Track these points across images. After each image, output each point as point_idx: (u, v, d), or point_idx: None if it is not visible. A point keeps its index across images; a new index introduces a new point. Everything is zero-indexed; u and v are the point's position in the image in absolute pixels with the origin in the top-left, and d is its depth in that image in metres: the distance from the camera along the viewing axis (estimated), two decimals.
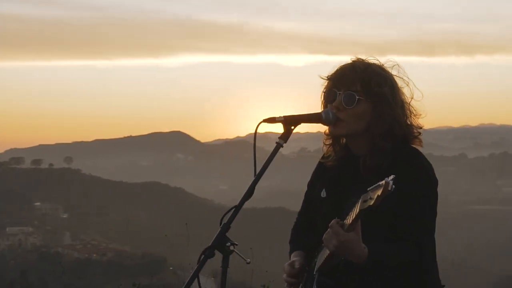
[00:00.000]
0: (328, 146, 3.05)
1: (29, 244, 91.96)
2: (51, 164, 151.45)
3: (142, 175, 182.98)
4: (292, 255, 3.11)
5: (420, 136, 2.94)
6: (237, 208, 2.71)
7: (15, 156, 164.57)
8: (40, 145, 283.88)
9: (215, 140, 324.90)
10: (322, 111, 2.89)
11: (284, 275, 3.03)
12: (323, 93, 2.96)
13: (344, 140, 3.00)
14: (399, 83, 2.95)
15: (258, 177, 2.75)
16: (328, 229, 2.60)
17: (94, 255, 78.74)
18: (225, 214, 2.72)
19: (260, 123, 2.80)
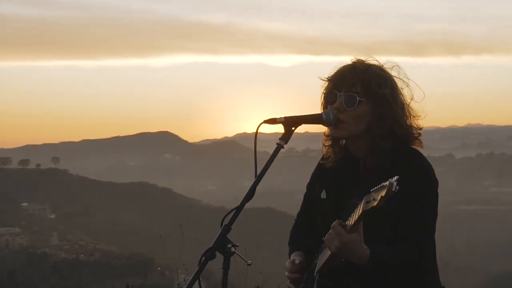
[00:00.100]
0: (327, 147, 3.05)
1: (16, 244, 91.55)
2: (38, 165, 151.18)
3: (130, 175, 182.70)
4: (292, 256, 3.10)
5: (420, 137, 2.94)
6: (238, 209, 2.70)
7: (2, 157, 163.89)
8: (27, 145, 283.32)
9: (203, 140, 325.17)
10: (323, 112, 2.89)
11: (286, 273, 3.03)
12: (323, 94, 2.95)
13: (344, 141, 3.00)
14: (399, 84, 2.94)
15: (259, 178, 2.75)
16: (330, 230, 2.59)
17: (82, 255, 78.49)
18: (226, 215, 2.71)
19: (261, 124, 2.79)
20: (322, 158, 3.08)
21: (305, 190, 3.17)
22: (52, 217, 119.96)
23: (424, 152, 2.93)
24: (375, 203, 2.37)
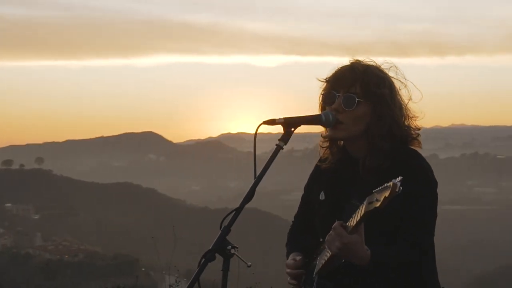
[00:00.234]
0: (325, 148, 3.04)
1: (0, 245, 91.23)
2: (22, 165, 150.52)
3: (114, 175, 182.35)
4: (290, 256, 3.10)
5: (419, 138, 2.94)
6: (238, 210, 2.69)
7: None
8: (10, 145, 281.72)
9: (187, 141, 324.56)
10: (322, 113, 2.88)
11: (288, 270, 3.03)
12: (321, 95, 2.95)
13: (342, 142, 2.99)
14: (397, 84, 2.94)
15: (258, 179, 2.74)
16: (331, 231, 2.58)
17: (66, 256, 78.38)
18: (225, 217, 2.69)
19: (260, 124, 2.78)
20: (320, 160, 3.08)
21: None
22: (36, 217, 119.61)
23: None
24: (378, 204, 2.36)
